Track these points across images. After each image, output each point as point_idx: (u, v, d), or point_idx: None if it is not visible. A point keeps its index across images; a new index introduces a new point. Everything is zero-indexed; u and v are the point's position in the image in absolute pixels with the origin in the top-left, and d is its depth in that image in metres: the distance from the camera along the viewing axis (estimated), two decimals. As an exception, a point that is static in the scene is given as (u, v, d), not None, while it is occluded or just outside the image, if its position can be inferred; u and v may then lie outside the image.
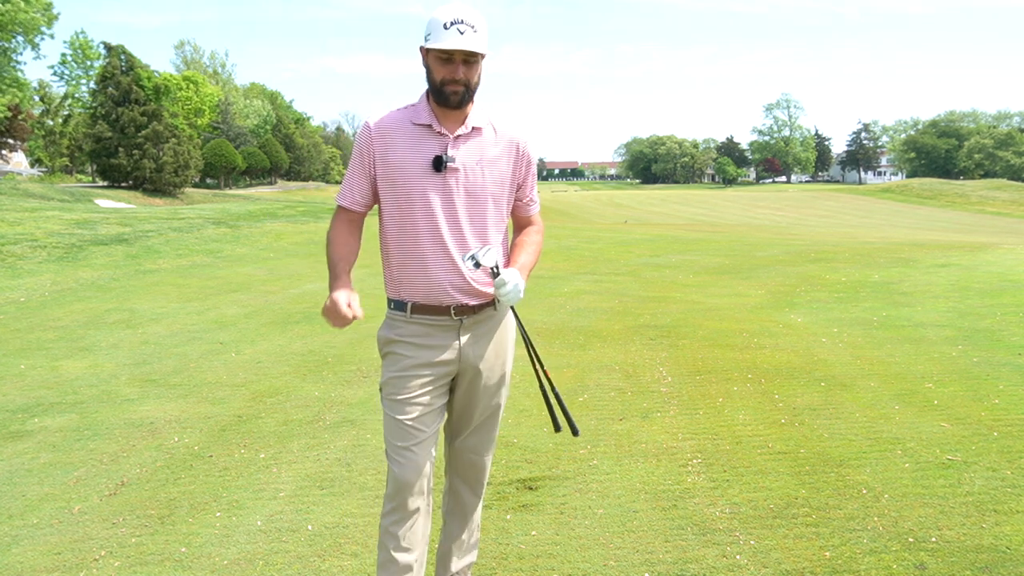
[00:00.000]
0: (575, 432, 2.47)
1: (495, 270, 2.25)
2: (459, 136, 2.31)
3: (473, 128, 2.33)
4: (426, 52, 2.27)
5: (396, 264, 2.36)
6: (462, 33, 2.17)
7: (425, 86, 2.34)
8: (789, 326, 7.53)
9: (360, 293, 2.35)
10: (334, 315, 2.22)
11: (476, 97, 2.35)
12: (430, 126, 2.30)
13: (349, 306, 2.21)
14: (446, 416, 2.51)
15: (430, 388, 2.35)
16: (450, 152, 2.29)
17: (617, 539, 3.11)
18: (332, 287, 2.29)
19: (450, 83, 2.23)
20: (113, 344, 6.94)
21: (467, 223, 2.32)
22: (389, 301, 2.42)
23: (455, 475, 2.59)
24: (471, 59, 2.23)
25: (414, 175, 2.29)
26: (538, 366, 2.47)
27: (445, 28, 2.18)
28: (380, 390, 2.42)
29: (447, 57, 2.22)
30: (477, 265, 2.24)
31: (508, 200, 2.44)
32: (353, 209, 2.41)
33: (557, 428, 2.48)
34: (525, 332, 2.44)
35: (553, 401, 2.46)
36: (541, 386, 2.48)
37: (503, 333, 2.47)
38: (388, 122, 2.33)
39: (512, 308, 2.41)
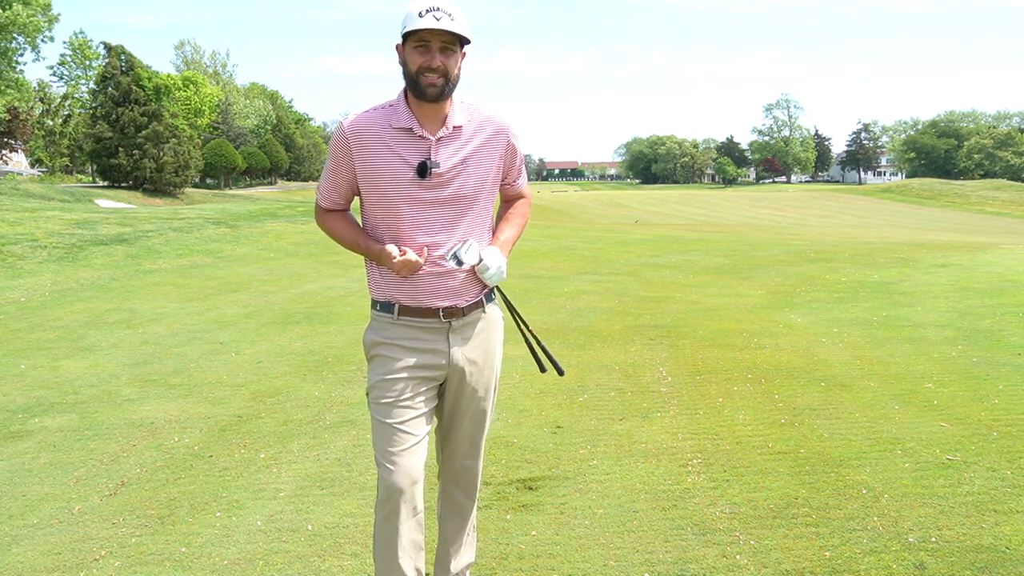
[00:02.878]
0: (560, 372, 2.59)
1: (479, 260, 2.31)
2: (441, 138, 2.24)
3: (454, 127, 2.25)
4: (403, 46, 2.19)
5: (382, 267, 2.32)
6: (438, 19, 2.10)
7: (403, 85, 2.26)
8: (789, 326, 7.53)
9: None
10: (404, 264, 2.23)
11: (456, 98, 2.27)
12: (411, 129, 2.22)
13: (404, 252, 2.23)
14: (436, 421, 2.48)
15: (419, 391, 2.30)
16: (434, 157, 2.22)
17: (617, 539, 3.11)
18: (374, 250, 2.29)
19: (427, 71, 2.14)
20: (113, 344, 6.94)
21: (454, 224, 2.28)
22: (374, 303, 2.36)
23: (448, 479, 2.56)
24: (449, 46, 2.15)
25: (398, 181, 2.22)
26: (521, 323, 2.57)
27: (420, 16, 2.10)
28: (367, 394, 2.37)
29: (423, 44, 2.14)
30: (460, 263, 2.25)
31: (494, 192, 2.41)
32: (334, 209, 2.42)
33: (542, 369, 2.61)
34: (508, 301, 2.53)
35: (535, 346, 2.58)
36: (525, 338, 2.58)
37: (492, 336, 2.44)
38: (365, 124, 2.24)
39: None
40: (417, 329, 2.31)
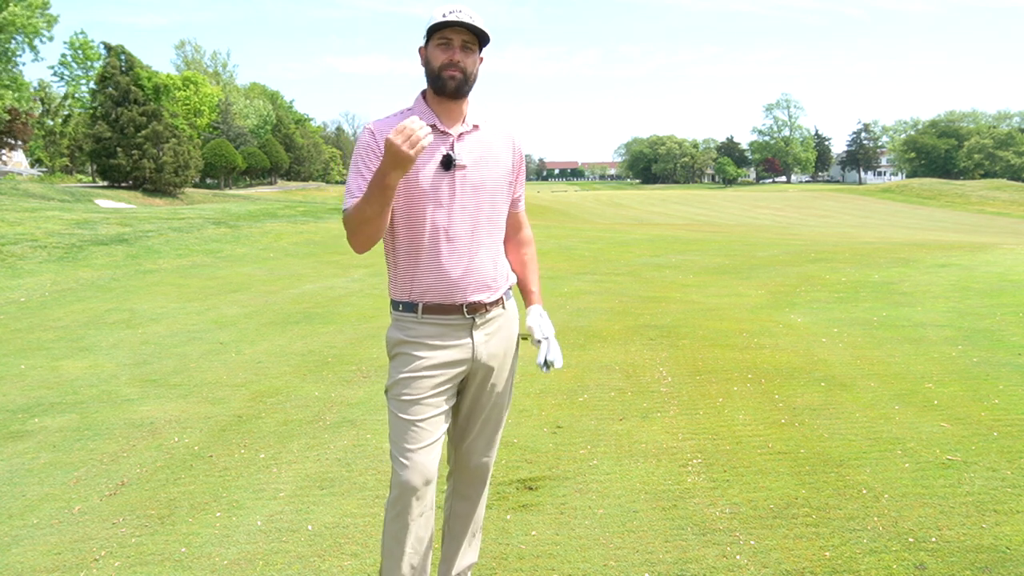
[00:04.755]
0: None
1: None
2: (462, 134, 2.32)
3: (473, 125, 2.35)
4: (425, 47, 2.30)
5: (406, 265, 2.34)
6: (460, 18, 2.22)
7: (412, 90, 2.40)
8: (789, 326, 7.53)
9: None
10: (405, 133, 2.01)
11: (471, 98, 2.36)
12: (433, 126, 2.30)
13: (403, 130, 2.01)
14: (451, 420, 2.50)
15: (441, 389, 2.33)
16: (457, 150, 2.30)
17: (617, 539, 3.11)
18: (379, 170, 2.09)
19: (448, 67, 2.25)
20: (113, 344, 6.94)
21: (477, 220, 2.33)
22: (396, 303, 2.39)
23: (460, 476, 2.57)
24: (469, 45, 2.27)
25: (423, 175, 2.28)
26: None
27: (444, 16, 2.22)
28: (386, 392, 2.40)
29: (446, 42, 2.25)
30: (550, 366, 2.43)
31: (510, 194, 2.47)
32: None
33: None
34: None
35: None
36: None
37: (512, 331, 2.49)
38: (390, 125, 2.32)
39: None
40: (442, 327, 2.34)
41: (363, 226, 2.19)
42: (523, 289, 2.58)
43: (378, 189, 2.12)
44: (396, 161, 2.04)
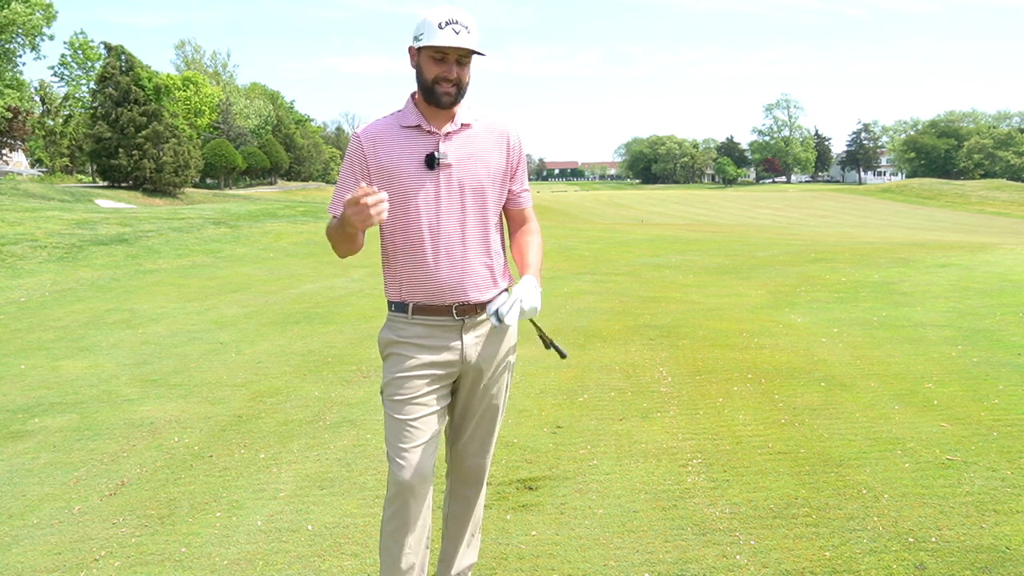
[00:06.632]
0: (563, 355, 2.51)
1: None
2: (449, 133, 2.30)
3: (462, 124, 2.33)
4: (417, 52, 2.25)
5: (396, 265, 2.35)
6: (457, 33, 2.16)
7: (410, 90, 2.34)
8: (789, 326, 7.53)
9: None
10: (358, 208, 2.04)
11: (464, 101, 2.33)
12: (419, 126, 2.29)
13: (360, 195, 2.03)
14: (447, 419, 2.50)
15: (432, 389, 2.33)
16: (442, 149, 2.28)
17: (617, 539, 3.11)
18: (340, 218, 2.16)
19: (443, 82, 2.21)
20: (113, 344, 6.94)
21: (465, 219, 2.32)
22: (390, 303, 2.41)
23: (456, 477, 2.58)
24: (465, 59, 2.23)
25: (408, 175, 2.28)
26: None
27: (440, 28, 2.16)
28: (381, 392, 2.40)
29: (441, 56, 2.21)
30: (500, 320, 2.25)
31: (502, 193, 2.43)
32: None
33: (546, 346, 2.55)
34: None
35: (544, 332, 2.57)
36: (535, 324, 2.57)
37: (505, 334, 2.46)
38: (377, 128, 2.32)
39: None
40: (431, 327, 2.33)
41: (336, 246, 2.30)
42: (520, 264, 2.46)
43: (340, 231, 2.21)
44: (352, 222, 2.08)
